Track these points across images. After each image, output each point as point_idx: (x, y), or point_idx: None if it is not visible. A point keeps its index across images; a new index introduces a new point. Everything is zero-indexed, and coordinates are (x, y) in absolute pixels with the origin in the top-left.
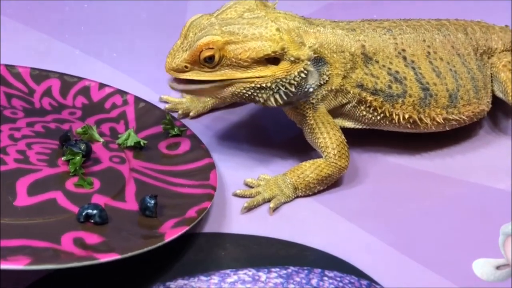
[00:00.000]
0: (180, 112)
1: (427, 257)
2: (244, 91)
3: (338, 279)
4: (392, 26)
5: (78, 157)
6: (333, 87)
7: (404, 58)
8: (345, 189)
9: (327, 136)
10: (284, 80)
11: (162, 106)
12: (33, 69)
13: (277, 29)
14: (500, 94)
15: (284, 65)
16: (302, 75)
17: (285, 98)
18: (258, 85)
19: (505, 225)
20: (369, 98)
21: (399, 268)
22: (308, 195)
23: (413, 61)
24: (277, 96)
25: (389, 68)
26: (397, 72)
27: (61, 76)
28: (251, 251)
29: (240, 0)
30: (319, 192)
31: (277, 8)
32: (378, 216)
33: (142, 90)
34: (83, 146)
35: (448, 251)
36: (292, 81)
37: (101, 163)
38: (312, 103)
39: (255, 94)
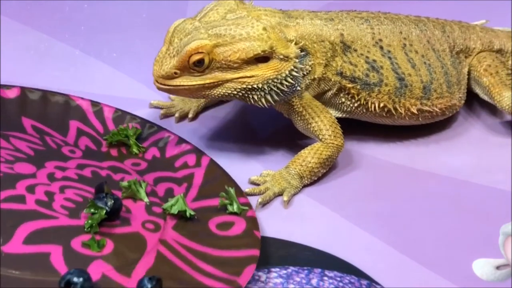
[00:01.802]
0: (176, 115)
1: (427, 257)
2: (235, 92)
3: (338, 279)
4: (370, 16)
5: (99, 213)
6: (315, 76)
7: (381, 48)
8: (345, 189)
9: (318, 119)
10: (275, 80)
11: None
12: (117, 110)
13: (264, 28)
14: (485, 97)
15: (273, 63)
16: (294, 73)
17: (276, 98)
18: (250, 86)
19: (505, 225)
20: (348, 86)
21: (399, 268)
22: (314, 182)
23: (389, 51)
24: (268, 97)
25: (367, 57)
26: (374, 61)
27: (142, 122)
28: None
29: (220, 1)
30: (319, 192)
31: (258, 5)
32: (378, 216)
33: (142, 90)
34: (110, 202)
35: (448, 251)
36: (284, 81)
37: (130, 226)
38: (297, 93)
39: (246, 95)
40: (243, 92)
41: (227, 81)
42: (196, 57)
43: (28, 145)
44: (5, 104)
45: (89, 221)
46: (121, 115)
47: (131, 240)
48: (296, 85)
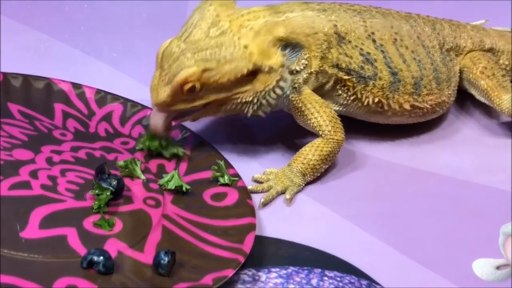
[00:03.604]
0: None
1: (427, 257)
2: (234, 106)
3: (338, 279)
4: (362, 10)
5: (105, 194)
6: (312, 70)
7: (374, 41)
8: (345, 189)
9: (318, 115)
10: (264, 92)
11: None
12: (98, 91)
13: (245, 46)
14: (482, 99)
15: (261, 77)
16: (281, 83)
17: (270, 108)
18: (244, 100)
19: (505, 225)
20: (344, 77)
21: (399, 268)
22: (314, 181)
23: (381, 45)
24: (263, 108)
25: (361, 49)
26: (368, 53)
27: (125, 102)
28: (251, 251)
29: (201, 11)
30: (320, 192)
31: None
32: (378, 216)
33: (142, 91)
34: (114, 182)
35: (448, 251)
36: (272, 93)
37: (133, 203)
38: (295, 88)
39: (243, 108)
40: (240, 105)
41: (222, 99)
42: (188, 86)
43: (20, 130)
44: None
45: (97, 202)
46: (103, 96)
47: (136, 217)
48: (285, 93)
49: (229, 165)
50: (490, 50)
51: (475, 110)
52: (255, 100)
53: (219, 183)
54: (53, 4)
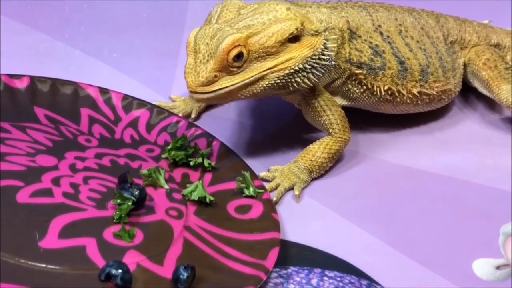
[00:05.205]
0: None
1: (427, 257)
2: (278, 80)
3: (338, 279)
4: (366, 5)
5: (126, 204)
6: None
7: (381, 33)
8: (345, 189)
9: (330, 113)
10: (314, 57)
11: None
12: (125, 96)
13: (288, 8)
14: (483, 91)
15: (306, 41)
16: (328, 45)
17: (319, 74)
18: (292, 70)
19: (505, 225)
20: (356, 72)
21: (399, 268)
22: (316, 178)
23: (388, 36)
24: (310, 75)
25: (370, 42)
26: (377, 46)
27: (151, 108)
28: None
29: (224, 2)
30: (320, 192)
31: None
32: (378, 216)
33: (142, 90)
34: (136, 192)
35: (448, 251)
36: (322, 56)
37: (155, 214)
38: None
39: (289, 80)
40: (286, 78)
41: (268, 70)
42: (235, 51)
43: (45, 136)
44: (17, 95)
45: (118, 212)
46: (130, 102)
47: (158, 228)
48: (332, 60)
49: (254, 176)
50: (497, 45)
51: (476, 112)
52: (306, 66)
53: (244, 195)
54: (53, 4)
